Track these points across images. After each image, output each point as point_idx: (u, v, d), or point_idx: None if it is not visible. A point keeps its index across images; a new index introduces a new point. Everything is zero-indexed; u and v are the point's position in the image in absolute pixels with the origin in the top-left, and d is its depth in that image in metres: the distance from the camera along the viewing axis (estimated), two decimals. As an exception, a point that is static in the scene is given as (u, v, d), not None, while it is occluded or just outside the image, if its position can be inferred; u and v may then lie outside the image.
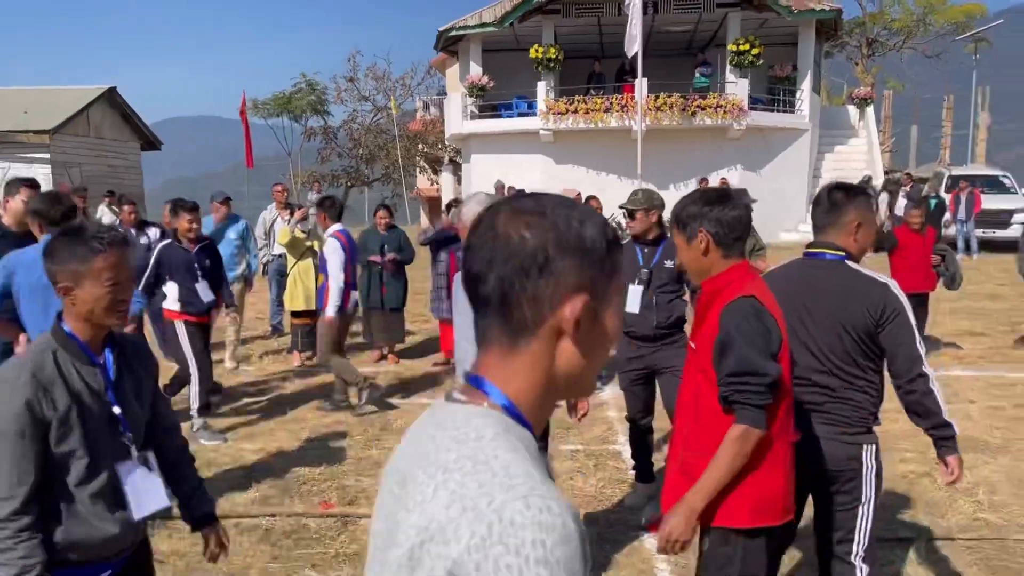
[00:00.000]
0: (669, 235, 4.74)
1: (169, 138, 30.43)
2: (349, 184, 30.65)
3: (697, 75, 19.68)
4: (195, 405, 5.92)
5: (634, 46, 14.93)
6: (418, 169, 31.12)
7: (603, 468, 5.33)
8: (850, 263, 2.80)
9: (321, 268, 6.73)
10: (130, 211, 8.24)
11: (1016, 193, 18.24)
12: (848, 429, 2.75)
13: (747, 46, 18.78)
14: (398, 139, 26.56)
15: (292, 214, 9.14)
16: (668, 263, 4.43)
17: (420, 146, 30.49)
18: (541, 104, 19.50)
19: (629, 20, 14.86)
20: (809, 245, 2.91)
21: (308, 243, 8.30)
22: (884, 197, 16.97)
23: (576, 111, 19.08)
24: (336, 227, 6.71)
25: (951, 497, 4.65)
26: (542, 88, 19.61)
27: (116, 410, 2.16)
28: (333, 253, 6.49)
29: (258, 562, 4.03)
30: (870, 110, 22.22)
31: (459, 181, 28.18)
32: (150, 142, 25.46)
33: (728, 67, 19.36)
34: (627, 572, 3.92)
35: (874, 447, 2.77)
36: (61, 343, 2.10)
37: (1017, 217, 17.03)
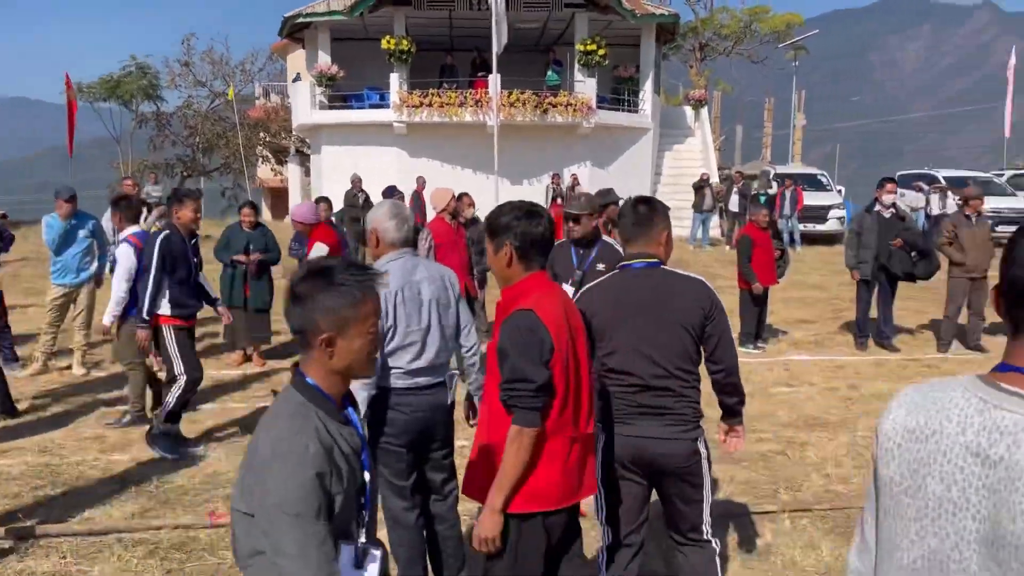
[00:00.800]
0: (603, 237, 5.01)
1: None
2: (185, 174, 29.05)
3: (549, 72, 20.19)
4: (166, 410, 5.51)
5: (502, 42, 15.16)
6: (260, 159, 29.97)
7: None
8: (665, 267, 3.08)
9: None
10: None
11: (831, 190, 20.05)
12: (689, 426, 3.00)
13: (594, 46, 19.50)
14: (239, 127, 25.49)
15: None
16: (600, 266, 4.62)
17: (262, 135, 29.38)
18: (394, 96, 19.37)
19: (493, 16, 15.05)
20: (627, 258, 3.10)
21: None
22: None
23: (431, 104, 19.11)
24: (132, 230, 6.09)
25: (805, 472, 5.17)
26: (395, 80, 19.48)
27: (367, 476, 1.91)
28: (124, 259, 5.85)
29: (149, 579, 3.88)
30: (704, 111, 23.69)
31: (307, 172, 27.44)
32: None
33: (577, 66, 20.00)
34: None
35: (704, 435, 3.06)
36: (316, 402, 1.80)
37: (833, 212, 18.75)
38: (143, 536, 4.33)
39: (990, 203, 17.77)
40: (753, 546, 4.17)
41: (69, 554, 4.12)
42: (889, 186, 8.98)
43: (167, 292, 5.54)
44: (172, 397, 5.52)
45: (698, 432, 3.02)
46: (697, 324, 2.97)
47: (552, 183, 19.17)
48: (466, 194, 8.53)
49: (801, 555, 4.08)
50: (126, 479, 5.14)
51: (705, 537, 3.09)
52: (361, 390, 3.22)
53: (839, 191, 20.51)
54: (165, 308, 5.55)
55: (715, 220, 19.53)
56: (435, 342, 3.42)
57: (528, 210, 2.63)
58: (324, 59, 20.30)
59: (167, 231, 5.59)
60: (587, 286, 3.16)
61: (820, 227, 18.48)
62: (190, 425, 6.24)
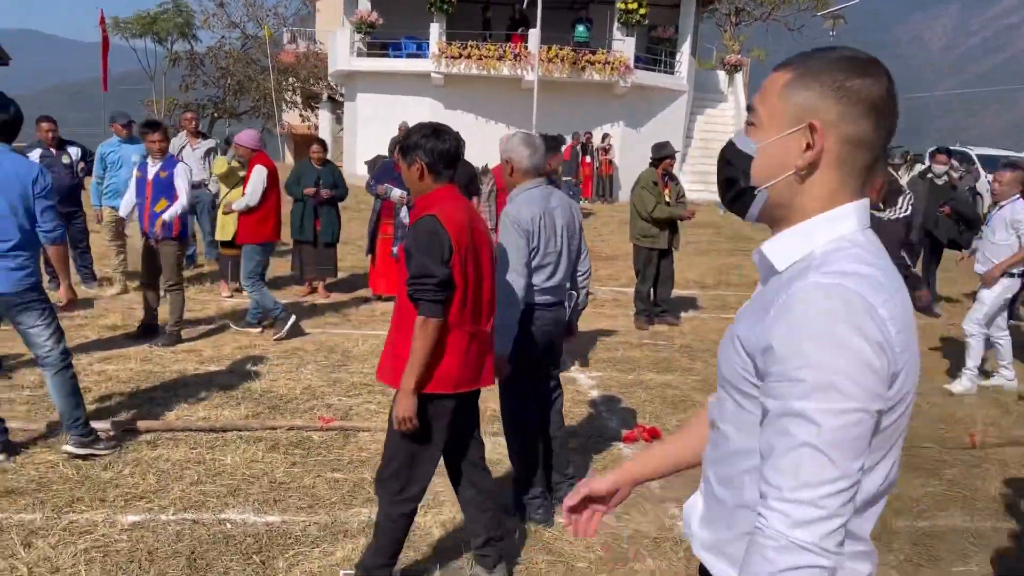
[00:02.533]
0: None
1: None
2: (215, 115, 29.24)
3: (579, 28, 20.17)
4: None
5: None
6: (288, 104, 30.07)
7: (569, 389, 5.83)
8: None
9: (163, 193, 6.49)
10: (48, 128, 7.82)
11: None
12: None
13: (635, 5, 19.46)
14: (271, 71, 25.57)
15: (204, 141, 9.04)
16: None
17: (292, 80, 29.43)
18: (434, 47, 19.43)
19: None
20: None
21: (241, 173, 8.19)
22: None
23: (469, 56, 19.18)
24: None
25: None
26: (435, 30, 19.53)
27: None
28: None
29: (278, 467, 4.26)
30: (738, 76, 23.67)
31: (338, 120, 27.57)
32: (-5, 54, 23.16)
33: (616, 25, 20.01)
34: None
35: None
36: None
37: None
38: (260, 434, 4.70)
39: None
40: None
41: (198, 446, 4.51)
42: (940, 156, 9.21)
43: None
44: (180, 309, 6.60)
45: None
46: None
47: (584, 139, 19.34)
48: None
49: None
50: (229, 387, 5.51)
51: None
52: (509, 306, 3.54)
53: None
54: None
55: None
56: (564, 264, 3.76)
57: (435, 129, 2.92)
58: (364, 5, 20.32)
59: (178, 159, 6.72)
60: None
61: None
62: (275, 346, 6.61)
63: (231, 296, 8.29)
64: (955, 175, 10.56)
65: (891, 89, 1.24)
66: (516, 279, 3.53)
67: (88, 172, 8.31)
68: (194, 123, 9.22)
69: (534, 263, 3.63)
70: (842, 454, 1.11)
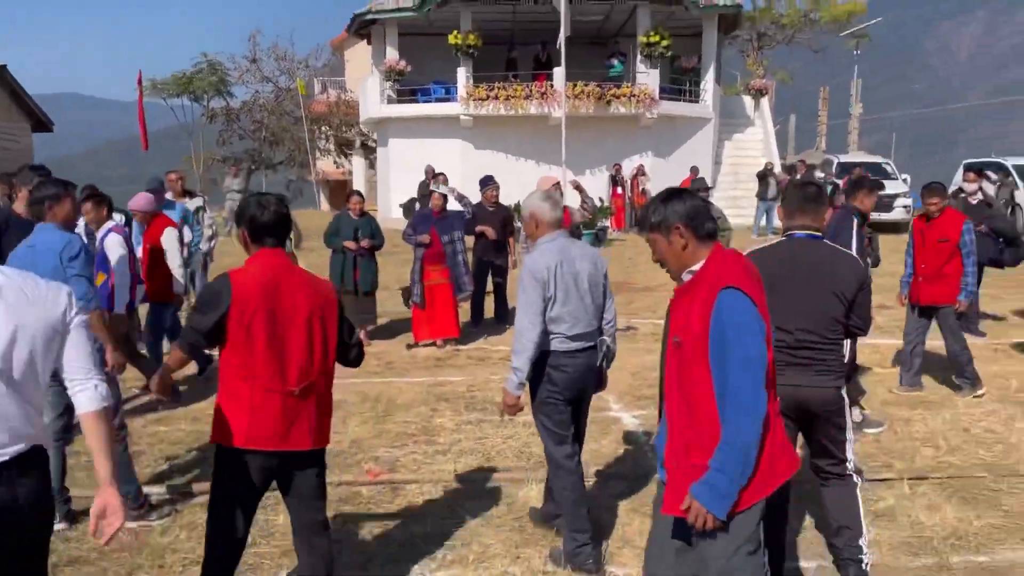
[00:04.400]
0: None
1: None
2: (252, 167, 29.93)
3: (616, 63, 20.45)
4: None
5: (564, 33, 15.51)
6: (322, 152, 30.72)
7: (608, 433, 5.85)
8: (826, 240, 3.62)
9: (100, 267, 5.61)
10: (87, 210, 7.98)
11: (896, 179, 19.97)
12: (832, 375, 3.48)
13: (657, 38, 19.66)
14: (305, 120, 26.19)
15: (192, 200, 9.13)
16: None
17: (324, 128, 30.09)
18: (461, 90, 19.79)
19: (561, 9, 15.38)
20: (792, 228, 3.58)
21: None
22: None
23: (496, 97, 19.48)
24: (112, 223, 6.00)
25: (914, 446, 5.44)
26: (462, 74, 19.90)
27: None
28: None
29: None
30: (764, 101, 23.69)
31: (371, 165, 28.10)
32: (40, 122, 24.12)
33: (639, 58, 20.20)
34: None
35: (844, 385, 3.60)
36: None
37: (899, 201, 18.70)
38: (311, 491, 4.78)
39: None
40: (877, 508, 4.47)
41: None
42: (969, 175, 9.16)
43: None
44: None
45: (840, 381, 3.50)
46: (851, 293, 3.46)
47: (613, 171, 19.48)
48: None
49: (926, 517, 4.37)
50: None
51: (848, 471, 3.57)
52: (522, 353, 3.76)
53: (904, 179, 20.39)
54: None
55: (778, 209, 19.62)
56: (588, 312, 3.89)
57: (258, 200, 3.11)
58: (392, 54, 20.80)
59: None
60: (755, 248, 3.61)
61: (886, 215, 18.40)
62: (320, 398, 6.73)
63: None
64: (990, 191, 10.43)
65: None
66: (528, 328, 3.72)
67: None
68: (180, 183, 9.01)
69: (554, 312, 3.78)
70: None
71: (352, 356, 3.35)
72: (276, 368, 3.01)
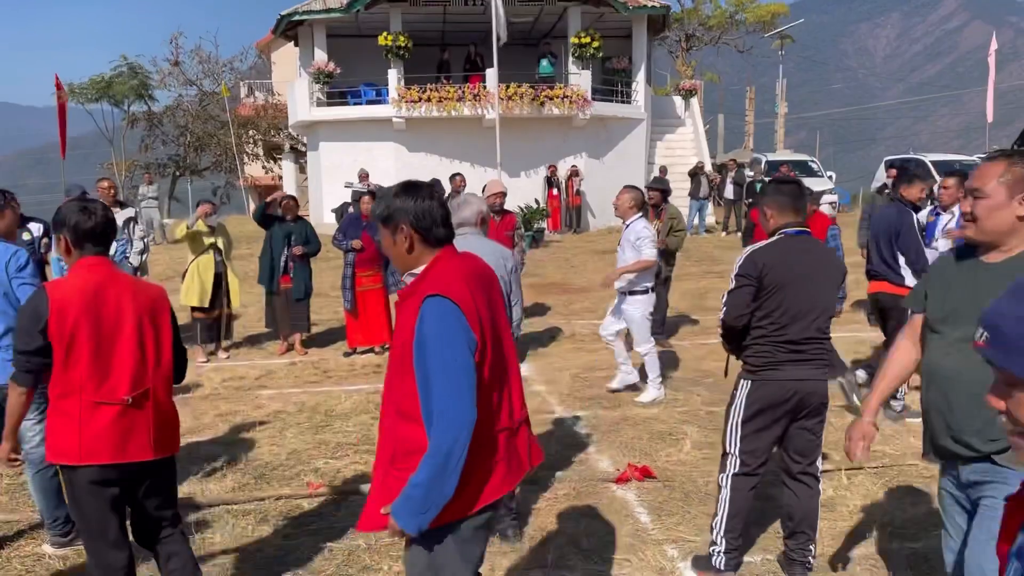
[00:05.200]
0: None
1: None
2: (178, 173, 29.14)
3: (544, 63, 20.48)
4: None
5: (502, 36, 15.50)
6: (249, 157, 30.05)
7: (550, 434, 5.83)
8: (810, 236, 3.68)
9: None
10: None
11: (822, 176, 20.56)
12: (827, 369, 3.57)
13: (588, 39, 19.81)
14: (231, 125, 25.57)
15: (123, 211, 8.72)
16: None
17: (252, 132, 29.46)
18: (393, 92, 19.58)
19: (494, 11, 15.36)
20: (791, 224, 3.59)
21: (211, 239, 8.11)
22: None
23: (429, 99, 19.33)
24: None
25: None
26: (393, 76, 19.69)
27: None
28: None
29: (270, 542, 4.19)
30: (694, 101, 24.11)
31: (302, 169, 27.60)
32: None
33: (571, 59, 20.32)
34: (611, 518, 4.44)
35: None
36: None
37: (826, 197, 19.18)
38: (248, 507, 4.63)
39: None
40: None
41: (186, 524, 4.42)
42: (891, 171, 9.49)
43: None
44: None
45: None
46: (839, 286, 3.65)
47: (549, 173, 19.55)
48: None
49: (864, 505, 4.47)
50: (213, 457, 5.42)
51: (817, 474, 3.64)
52: None
53: (830, 176, 21.00)
54: None
55: (710, 207, 19.99)
56: None
57: (82, 206, 3.00)
58: (321, 56, 20.46)
59: None
60: (760, 246, 3.60)
61: (813, 212, 18.91)
62: (256, 410, 6.54)
63: (207, 361, 8.20)
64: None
65: None
66: None
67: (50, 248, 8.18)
68: (112, 191, 8.52)
69: None
70: None
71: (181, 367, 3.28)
72: (103, 378, 2.91)
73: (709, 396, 6.61)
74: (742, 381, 3.58)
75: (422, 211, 2.37)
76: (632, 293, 6.43)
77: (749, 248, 3.63)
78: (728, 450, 3.61)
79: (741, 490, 3.58)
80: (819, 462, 3.66)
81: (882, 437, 5.52)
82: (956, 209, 6.10)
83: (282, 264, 8.22)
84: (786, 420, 3.53)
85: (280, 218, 8.34)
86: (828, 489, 4.65)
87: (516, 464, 2.47)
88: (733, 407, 3.59)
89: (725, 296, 3.59)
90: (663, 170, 18.95)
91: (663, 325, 8.76)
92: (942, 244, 6.22)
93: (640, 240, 6.29)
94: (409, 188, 2.44)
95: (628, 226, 6.45)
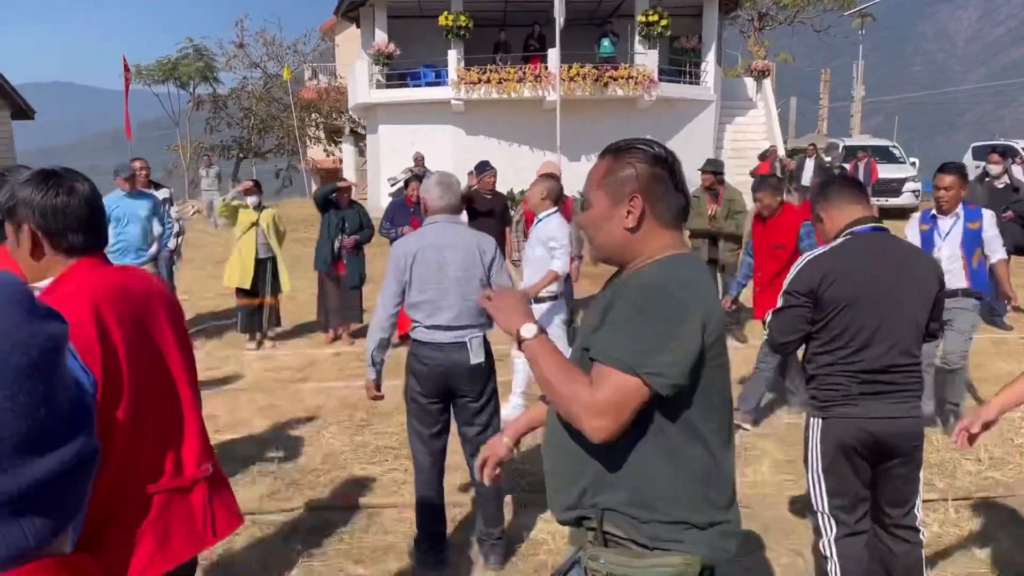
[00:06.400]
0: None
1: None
2: (241, 156, 29.28)
3: (605, 43, 19.72)
4: None
5: (561, 14, 14.88)
6: (312, 140, 30.01)
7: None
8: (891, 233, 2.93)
9: None
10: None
11: (904, 162, 19.37)
12: (917, 401, 2.84)
13: (656, 17, 18.99)
14: (294, 108, 25.48)
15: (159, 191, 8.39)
16: None
17: (314, 115, 29.39)
18: (452, 73, 19.11)
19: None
20: (862, 220, 2.86)
21: (252, 218, 7.78)
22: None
23: (488, 81, 18.82)
24: None
25: (955, 458, 4.87)
26: (453, 57, 19.22)
27: None
28: None
29: (293, 563, 3.77)
30: (767, 82, 23.02)
31: (361, 152, 27.42)
32: (21, 110, 23.40)
33: (637, 38, 19.54)
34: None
35: None
36: None
37: (908, 185, 18.10)
38: (274, 518, 4.23)
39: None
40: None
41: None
42: (994, 156, 8.58)
43: None
44: None
45: (921, 405, 2.89)
46: (932, 299, 2.81)
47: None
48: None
49: (975, 544, 3.82)
50: (247, 459, 5.05)
51: (917, 524, 2.91)
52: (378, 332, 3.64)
53: (913, 163, 19.79)
54: None
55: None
56: (455, 304, 3.56)
57: (48, 179, 1.94)
58: (381, 37, 20.10)
59: None
60: (820, 253, 2.90)
61: (895, 200, 17.81)
62: (295, 405, 6.17)
63: (255, 348, 7.90)
64: (1018, 175, 9.86)
65: None
66: (379, 309, 3.65)
67: None
68: (144, 173, 8.15)
69: (411, 299, 3.59)
70: None
71: None
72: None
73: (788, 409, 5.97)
74: (811, 420, 2.89)
75: (52, 209, 1.82)
76: (538, 300, 5.50)
77: (810, 254, 2.92)
78: (818, 507, 2.90)
79: (851, 555, 2.84)
80: (918, 509, 2.92)
81: (991, 461, 4.83)
82: (960, 211, 5.14)
83: (334, 250, 7.84)
84: (869, 465, 2.83)
85: (336, 204, 7.95)
86: (933, 524, 4.01)
87: (184, 533, 1.93)
88: (810, 454, 2.88)
89: (769, 316, 2.93)
90: (772, 152, 18.05)
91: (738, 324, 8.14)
92: (946, 252, 5.11)
93: (553, 242, 5.41)
94: (42, 177, 1.86)
95: (540, 221, 5.54)
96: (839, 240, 2.86)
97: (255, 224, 7.76)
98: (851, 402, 2.75)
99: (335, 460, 5.02)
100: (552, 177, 5.85)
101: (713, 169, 7.78)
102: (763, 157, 18.27)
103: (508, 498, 4.19)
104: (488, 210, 8.50)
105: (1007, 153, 17.76)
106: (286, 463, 4.99)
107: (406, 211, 7.75)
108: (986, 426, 2.58)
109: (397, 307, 3.60)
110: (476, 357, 3.61)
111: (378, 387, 3.72)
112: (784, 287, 2.87)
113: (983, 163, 17.25)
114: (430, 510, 3.72)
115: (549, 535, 3.98)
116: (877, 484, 2.89)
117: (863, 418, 2.74)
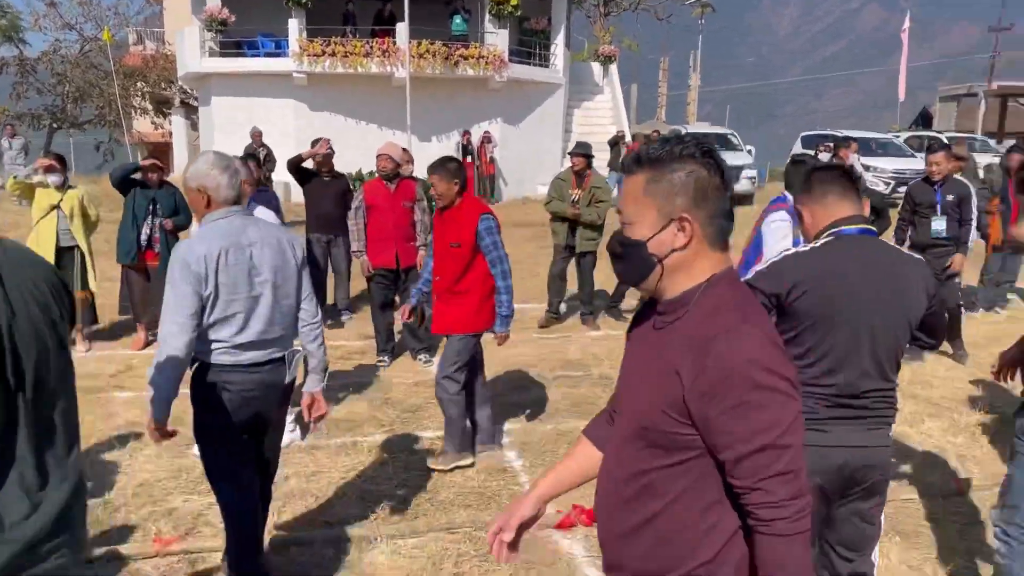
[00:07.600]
0: None
1: None
2: (55, 126, 26.51)
3: (457, 20, 19.18)
4: None
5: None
6: (138, 111, 27.62)
7: (476, 461, 4.84)
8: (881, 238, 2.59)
9: None
10: None
11: (741, 150, 20.10)
12: (888, 428, 2.52)
13: (506, -4, 18.64)
14: (114, 75, 23.24)
15: None
16: None
17: (140, 84, 27.06)
18: (293, 44, 17.96)
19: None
20: (850, 220, 2.47)
21: (51, 200, 6.70)
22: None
23: (334, 54, 17.81)
24: None
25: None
26: (294, 26, 18.05)
27: None
28: None
29: None
30: (613, 68, 23.28)
31: (194, 126, 25.50)
32: None
33: (487, 17, 19.13)
34: (552, 571, 3.51)
35: None
36: None
37: (746, 172, 18.77)
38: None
39: (893, 164, 18.28)
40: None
41: None
42: (826, 145, 8.92)
43: None
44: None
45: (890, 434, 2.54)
46: (918, 317, 2.48)
47: (463, 140, 18.38)
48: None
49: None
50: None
51: (871, 573, 2.59)
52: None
53: (749, 151, 20.59)
54: None
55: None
56: (265, 313, 3.04)
57: None
58: (214, 2, 18.59)
59: None
60: (798, 253, 2.49)
61: (736, 187, 18.41)
62: (106, 421, 5.32)
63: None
64: (857, 167, 10.25)
65: None
66: (175, 334, 2.82)
67: None
68: None
69: (215, 315, 2.92)
70: None
71: None
72: None
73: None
74: None
75: None
76: None
77: (788, 250, 2.54)
78: None
79: None
80: (875, 555, 2.60)
81: (973, 459, 4.80)
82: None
83: (145, 237, 6.88)
84: (830, 499, 2.49)
85: (141, 183, 6.94)
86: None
87: None
88: None
89: None
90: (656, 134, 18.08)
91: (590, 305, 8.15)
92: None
93: None
94: None
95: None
96: (820, 241, 2.48)
97: (56, 207, 6.69)
98: (819, 427, 2.39)
99: (150, 491, 4.28)
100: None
101: (583, 152, 7.58)
102: (612, 144, 18.38)
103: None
104: (327, 193, 7.66)
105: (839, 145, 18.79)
106: (90, 496, 4.20)
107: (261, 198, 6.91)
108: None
109: (197, 329, 2.88)
110: (292, 374, 3.14)
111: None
112: (749, 277, 2.46)
113: (812, 151, 18.24)
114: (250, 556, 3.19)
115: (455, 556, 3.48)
116: (833, 523, 2.56)
117: (830, 447, 2.39)
